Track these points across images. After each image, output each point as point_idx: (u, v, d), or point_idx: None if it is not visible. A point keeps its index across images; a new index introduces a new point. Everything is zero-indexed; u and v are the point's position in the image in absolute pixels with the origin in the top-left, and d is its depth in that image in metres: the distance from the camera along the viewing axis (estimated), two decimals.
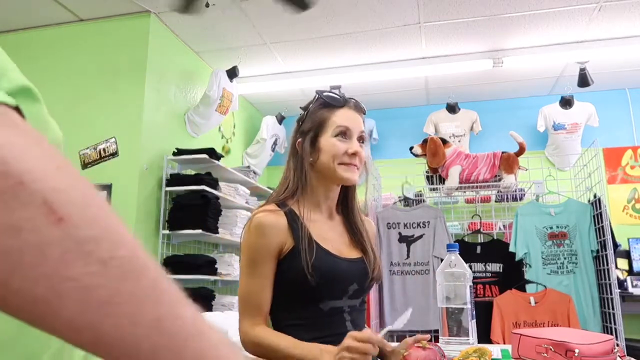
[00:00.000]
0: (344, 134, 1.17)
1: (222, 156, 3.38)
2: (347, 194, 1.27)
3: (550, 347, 1.05)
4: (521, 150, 3.14)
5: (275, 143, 4.56)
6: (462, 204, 4.08)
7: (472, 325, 1.23)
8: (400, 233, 3.12)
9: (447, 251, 1.31)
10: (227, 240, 3.38)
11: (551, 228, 2.97)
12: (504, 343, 2.48)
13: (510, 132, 3.26)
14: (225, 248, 3.77)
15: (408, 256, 3.08)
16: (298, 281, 1.08)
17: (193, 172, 3.27)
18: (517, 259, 2.95)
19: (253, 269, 1.12)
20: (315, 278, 1.07)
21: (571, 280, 2.88)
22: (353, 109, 1.21)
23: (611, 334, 2.62)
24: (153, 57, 3.20)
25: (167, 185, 3.14)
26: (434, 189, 3.41)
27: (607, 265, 2.75)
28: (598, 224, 2.90)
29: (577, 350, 1.00)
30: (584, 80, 3.73)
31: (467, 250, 2.98)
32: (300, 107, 1.27)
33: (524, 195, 3.55)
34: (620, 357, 1.10)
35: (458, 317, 1.24)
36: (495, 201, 3.71)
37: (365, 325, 1.21)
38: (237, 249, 3.63)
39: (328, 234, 1.19)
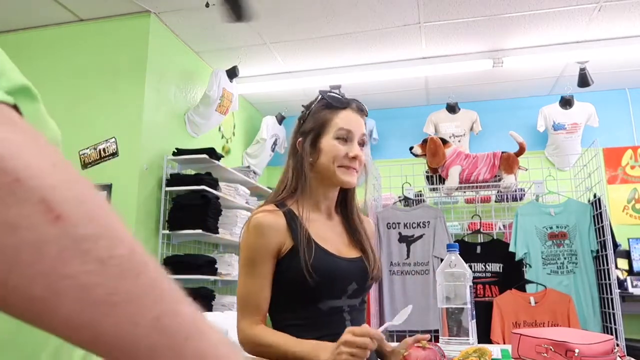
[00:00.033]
0: (345, 136, 1.17)
1: (222, 156, 3.38)
2: (346, 194, 1.27)
3: (550, 347, 1.05)
4: (521, 150, 3.14)
5: (275, 143, 4.56)
6: (462, 204, 4.08)
7: (472, 325, 1.23)
8: (400, 233, 3.12)
9: (447, 251, 1.30)
10: (227, 240, 3.38)
11: (551, 228, 2.97)
12: (504, 343, 2.47)
13: (510, 132, 3.26)
14: (225, 248, 3.77)
15: (408, 256, 3.08)
16: (297, 281, 1.08)
17: (193, 172, 3.27)
18: (517, 259, 2.95)
19: (252, 269, 1.12)
20: (315, 278, 1.07)
21: (571, 280, 2.88)
22: (356, 111, 1.21)
23: (611, 334, 2.62)
24: (153, 57, 3.20)
25: (167, 185, 3.14)
26: (434, 189, 3.41)
27: (607, 265, 2.75)
28: (598, 224, 2.89)
29: (577, 350, 1.00)
30: (584, 80, 3.74)
31: (467, 250, 2.98)
32: (303, 106, 1.26)
33: (524, 195, 3.55)
34: (620, 357, 1.10)
35: (458, 317, 1.23)
36: (495, 201, 3.71)
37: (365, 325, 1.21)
38: (237, 249, 3.63)
39: (327, 233, 1.19)
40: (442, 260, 1.77)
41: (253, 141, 4.48)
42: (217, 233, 3.21)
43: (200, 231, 3.03)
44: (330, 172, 1.17)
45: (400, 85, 4.28)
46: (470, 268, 1.33)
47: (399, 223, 3.13)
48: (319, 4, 3.08)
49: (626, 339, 2.77)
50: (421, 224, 3.10)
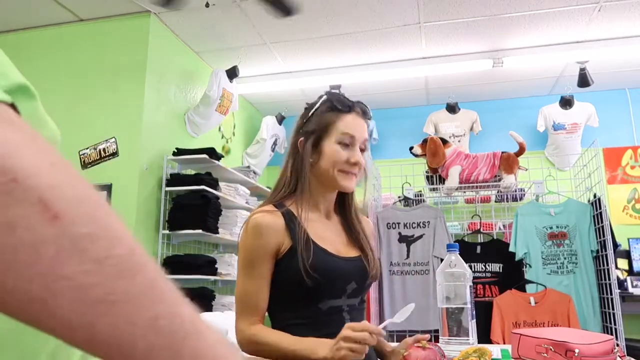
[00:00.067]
0: (347, 141, 1.16)
1: (222, 156, 3.38)
2: (345, 195, 1.27)
3: (550, 347, 1.05)
4: (521, 150, 3.14)
5: (275, 143, 4.56)
6: (462, 204, 4.08)
7: (472, 325, 1.23)
8: (400, 233, 3.12)
9: (447, 251, 1.30)
10: (227, 240, 3.38)
11: (551, 228, 2.97)
12: (504, 343, 2.47)
13: (510, 132, 3.26)
14: (225, 248, 3.77)
15: (408, 256, 3.08)
16: (296, 281, 1.08)
17: (193, 172, 3.27)
18: (517, 259, 2.95)
19: (250, 269, 1.12)
20: (314, 277, 1.07)
21: (571, 280, 2.88)
22: (360, 116, 1.20)
23: (611, 334, 2.62)
24: (153, 57, 3.20)
25: (167, 185, 3.14)
26: (434, 189, 3.41)
27: (607, 265, 2.75)
28: (598, 224, 2.89)
29: (577, 350, 1.00)
30: (584, 80, 3.73)
31: (467, 250, 2.97)
32: (307, 104, 1.25)
33: (524, 195, 3.55)
34: (620, 357, 1.10)
35: (458, 317, 1.23)
36: (495, 201, 3.71)
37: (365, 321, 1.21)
38: (237, 249, 3.63)
39: (326, 233, 1.19)
40: (442, 260, 1.76)
41: (253, 141, 4.48)
42: (217, 233, 3.21)
43: (200, 231, 3.03)
44: (329, 176, 1.17)
45: (400, 85, 4.28)
46: (470, 268, 1.33)
47: (399, 223, 3.13)
48: (319, 4, 3.08)
49: (626, 339, 2.77)
50: (421, 224, 3.10)
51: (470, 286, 1.26)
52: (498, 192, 3.40)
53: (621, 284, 3.43)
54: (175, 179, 3.14)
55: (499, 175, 3.16)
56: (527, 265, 2.92)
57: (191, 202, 3.07)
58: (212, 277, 3.19)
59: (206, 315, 1.86)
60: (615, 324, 2.64)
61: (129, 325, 0.27)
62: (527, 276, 2.89)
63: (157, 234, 3.09)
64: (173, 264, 3.02)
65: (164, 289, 0.30)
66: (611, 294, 2.71)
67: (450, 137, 4.25)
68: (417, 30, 3.42)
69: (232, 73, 3.63)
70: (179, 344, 0.28)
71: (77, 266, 0.26)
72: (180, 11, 3.16)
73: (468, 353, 1.06)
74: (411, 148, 3.35)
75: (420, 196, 3.55)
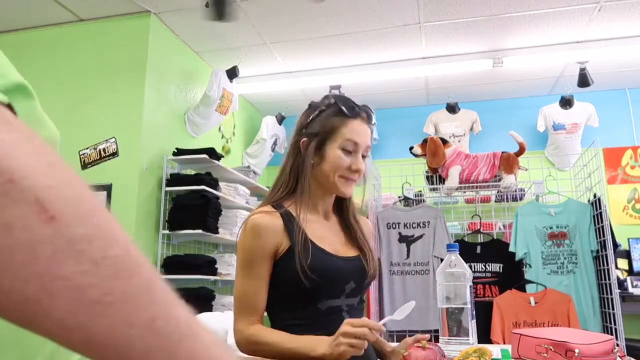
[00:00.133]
0: (351, 148, 1.16)
1: (222, 156, 3.37)
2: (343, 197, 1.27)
3: (550, 347, 1.05)
4: (521, 150, 3.14)
5: (275, 143, 4.56)
6: (462, 204, 4.08)
7: (472, 325, 1.23)
8: (400, 233, 3.12)
9: (447, 251, 1.30)
10: (227, 240, 3.38)
11: (551, 228, 2.97)
12: (504, 343, 2.47)
13: (510, 132, 3.26)
14: (225, 248, 3.77)
15: (408, 256, 3.08)
16: (295, 282, 1.08)
17: (193, 172, 3.27)
18: (517, 259, 2.95)
19: (249, 270, 1.12)
20: (313, 277, 1.07)
21: (571, 280, 2.88)
22: (365, 122, 1.19)
23: (611, 334, 2.62)
24: (153, 57, 3.20)
25: (167, 185, 3.14)
26: (434, 189, 3.41)
27: (607, 265, 2.75)
28: (598, 224, 2.89)
29: (577, 350, 1.00)
30: (584, 80, 3.73)
31: (467, 250, 2.98)
32: (312, 102, 1.23)
33: (524, 195, 3.55)
34: (620, 357, 1.09)
35: (458, 317, 1.23)
36: (495, 201, 3.71)
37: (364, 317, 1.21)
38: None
39: (324, 233, 1.19)
40: (442, 260, 1.76)
41: (253, 141, 4.48)
42: (217, 233, 3.21)
43: (200, 231, 3.02)
44: (329, 180, 1.17)
45: (400, 85, 4.28)
46: (470, 268, 1.33)
47: (399, 223, 3.13)
48: (319, 4, 3.07)
49: (626, 339, 2.77)
50: (421, 224, 3.10)
51: (470, 286, 1.26)
52: (498, 192, 3.40)
53: (621, 284, 3.43)
54: (175, 179, 3.14)
55: (499, 175, 3.16)
56: (527, 265, 2.92)
57: (191, 202, 3.06)
58: (212, 277, 3.19)
59: (206, 315, 1.86)
60: (615, 324, 2.64)
61: (127, 326, 0.27)
62: (527, 276, 2.89)
63: (157, 234, 3.09)
64: (173, 264, 3.02)
65: (160, 290, 0.30)
66: (611, 294, 2.70)
67: (450, 137, 4.25)
68: (417, 30, 3.42)
69: (232, 73, 3.63)
70: (174, 345, 0.28)
71: (74, 266, 0.26)
72: (180, 11, 3.16)
73: (468, 353, 1.06)
74: (411, 148, 3.35)
75: (420, 196, 3.55)
